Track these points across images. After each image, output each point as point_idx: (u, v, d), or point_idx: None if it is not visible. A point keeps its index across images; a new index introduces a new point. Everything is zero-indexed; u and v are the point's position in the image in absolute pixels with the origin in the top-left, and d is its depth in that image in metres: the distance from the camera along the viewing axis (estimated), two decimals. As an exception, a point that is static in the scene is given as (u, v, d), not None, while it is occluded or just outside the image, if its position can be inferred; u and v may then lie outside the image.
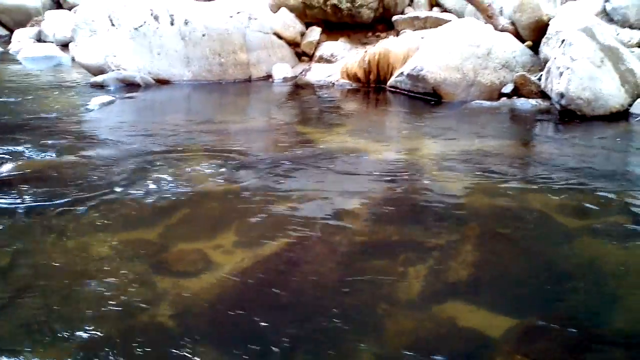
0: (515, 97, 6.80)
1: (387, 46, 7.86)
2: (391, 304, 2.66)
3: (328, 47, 9.05)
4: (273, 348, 2.35)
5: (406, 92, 7.40)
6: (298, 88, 8.27)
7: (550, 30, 7.02)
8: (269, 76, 8.82)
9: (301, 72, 8.78)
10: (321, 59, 8.98)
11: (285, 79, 8.65)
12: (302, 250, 3.17)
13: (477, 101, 6.85)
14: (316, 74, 8.64)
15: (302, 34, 9.35)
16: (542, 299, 2.74)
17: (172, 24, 8.38)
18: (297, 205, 3.77)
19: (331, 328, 2.47)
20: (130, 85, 8.07)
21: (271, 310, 2.63)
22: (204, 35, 8.46)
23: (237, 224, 3.51)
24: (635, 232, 3.34)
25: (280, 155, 4.85)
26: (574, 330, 2.49)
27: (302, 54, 9.32)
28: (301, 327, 2.49)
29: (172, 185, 4.11)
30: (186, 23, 8.40)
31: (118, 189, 3.99)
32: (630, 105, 6.11)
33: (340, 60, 8.66)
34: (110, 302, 2.66)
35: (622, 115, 6.03)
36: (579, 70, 6.05)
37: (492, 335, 2.42)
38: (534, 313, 2.61)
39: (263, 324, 2.51)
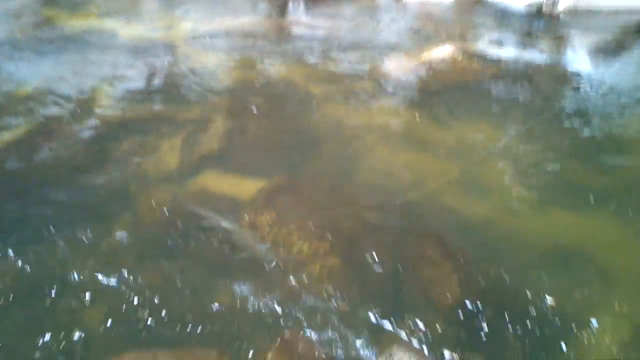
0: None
1: None
2: (145, 180, 2.70)
3: None
4: (32, 233, 2.32)
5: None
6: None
7: None
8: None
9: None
10: None
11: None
12: (44, 137, 3.05)
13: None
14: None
15: None
16: (289, 162, 2.93)
17: None
18: (38, 91, 3.57)
19: (84, 213, 2.47)
20: None
21: (17, 201, 2.55)
22: None
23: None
24: (378, 95, 3.64)
25: (19, 38, 4.48)
26: (319, 184, 2.75)
27: None
28: (54, 216, 2.44)
29: None
30: None
31: None
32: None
33: None
34: None
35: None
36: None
37: (242, 198, 2.59)
38: (281, 174, 2.80)
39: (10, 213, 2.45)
